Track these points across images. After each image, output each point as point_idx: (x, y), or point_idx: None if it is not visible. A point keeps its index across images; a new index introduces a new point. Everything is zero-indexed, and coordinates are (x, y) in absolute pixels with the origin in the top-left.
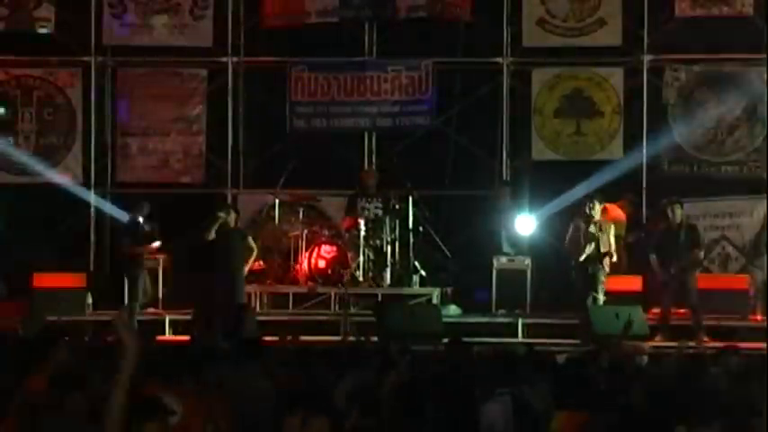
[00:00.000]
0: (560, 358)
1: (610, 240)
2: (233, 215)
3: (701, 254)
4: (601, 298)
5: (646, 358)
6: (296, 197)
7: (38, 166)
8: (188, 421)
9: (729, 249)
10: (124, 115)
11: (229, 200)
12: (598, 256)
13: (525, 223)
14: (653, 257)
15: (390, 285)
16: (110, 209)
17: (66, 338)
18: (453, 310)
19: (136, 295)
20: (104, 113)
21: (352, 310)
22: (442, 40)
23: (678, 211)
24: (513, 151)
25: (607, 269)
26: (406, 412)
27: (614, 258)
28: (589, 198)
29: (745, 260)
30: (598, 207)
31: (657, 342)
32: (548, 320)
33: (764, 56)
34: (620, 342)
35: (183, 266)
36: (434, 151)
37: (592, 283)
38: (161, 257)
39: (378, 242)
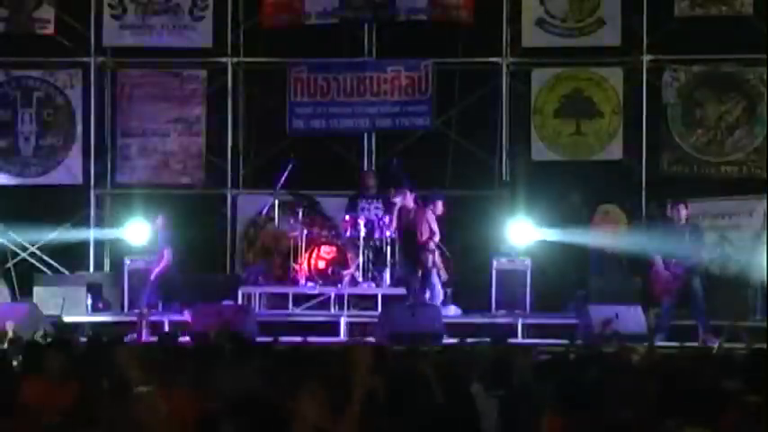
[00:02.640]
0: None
1: None
2: None
3: (705, 254)
4: None
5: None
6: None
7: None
8: (179, 419)
9: (729, 249)
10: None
11: (229, 200)
12: None
13: (522, 229)
14: (658, 258)
15: (390, 285)
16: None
17: (61, 343)
18: (453, 310)
19: None
20: (104, 114)
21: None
22: (441, 41)
23: (683, 212)
24: (513, 151)
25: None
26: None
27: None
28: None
29: (744, 260)
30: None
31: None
32: (548, 320)
33: (764, 56)
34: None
35: (182, 267)
36: (434, 151)
37: None
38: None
39: (377, 242)
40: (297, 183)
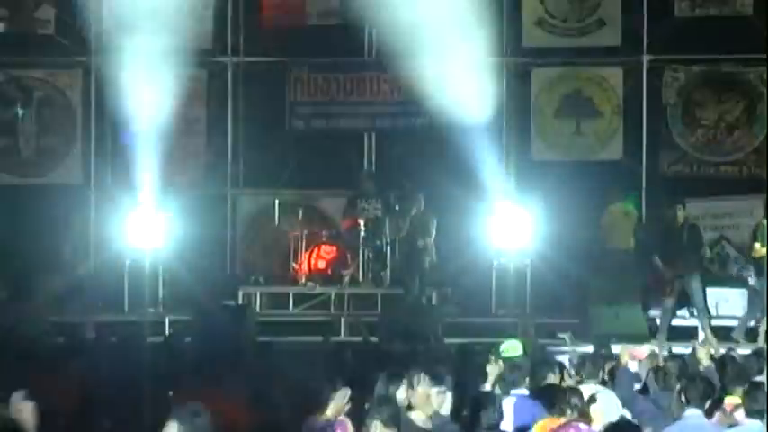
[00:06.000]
0: None
1: None
2: None
3: (704, 254)
4: None
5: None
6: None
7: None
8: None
9: (729, 249)
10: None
11: (229, 200)
12: None
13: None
14: (656, 258)
15: (390, 285)
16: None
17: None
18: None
19: None
20: (104, 114)
21: (352, 311)
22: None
23: (680, 212)
24: (513, 151)
25: None
26: None
27: None
28: None
29: (744, 260)
30: None
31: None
32: (548, 320)
33: (764, 56)
34: None
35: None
36: (434, 151)
37: None
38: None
39: (377, 242)
40: (297, 183)
